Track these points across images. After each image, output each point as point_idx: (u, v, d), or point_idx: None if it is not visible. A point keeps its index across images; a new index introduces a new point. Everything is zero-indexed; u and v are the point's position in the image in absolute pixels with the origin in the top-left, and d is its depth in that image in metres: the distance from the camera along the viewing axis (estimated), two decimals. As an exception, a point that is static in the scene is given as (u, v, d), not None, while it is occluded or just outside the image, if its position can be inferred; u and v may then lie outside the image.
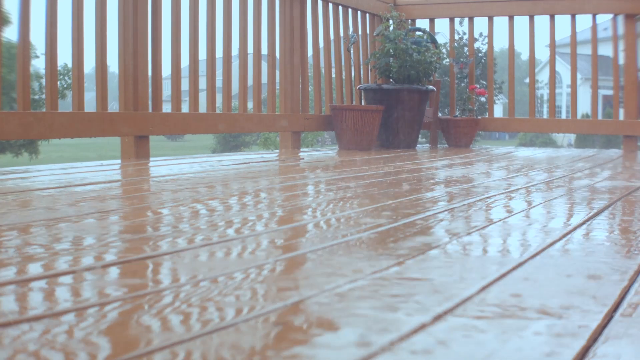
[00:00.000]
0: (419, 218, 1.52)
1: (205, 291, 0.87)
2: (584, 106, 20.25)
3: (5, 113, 2.61)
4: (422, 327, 0.73)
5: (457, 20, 5.77)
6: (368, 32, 5.22)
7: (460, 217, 1.56)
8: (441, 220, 1.52)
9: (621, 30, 4.95)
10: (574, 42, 5.13)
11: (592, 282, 0.96)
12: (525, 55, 32.06)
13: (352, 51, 4.95)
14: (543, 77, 27.38)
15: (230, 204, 1.78)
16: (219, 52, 3.67)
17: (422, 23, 5.43)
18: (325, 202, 1.83)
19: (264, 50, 4.15)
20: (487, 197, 1.94)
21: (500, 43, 51.68)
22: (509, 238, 1.33)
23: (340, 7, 4.85)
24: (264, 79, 4.17)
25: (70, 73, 3.21)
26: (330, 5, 4.75)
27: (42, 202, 1.75)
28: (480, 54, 17.80)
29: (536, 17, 5.14)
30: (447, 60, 10.49)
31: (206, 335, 0.70)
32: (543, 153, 4.61)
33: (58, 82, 2.93)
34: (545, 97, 29.05)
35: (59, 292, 0.88)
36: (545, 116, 9.32)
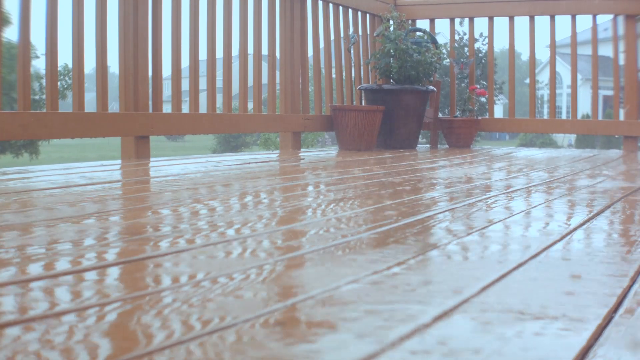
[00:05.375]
0: (420, 218, 1.52)
1: (205, 291, 0.87)
2: (584, 107, 20.26)
3: (6, 113, 2.61)
4: (422, 327, 0.73)
5: (457, 20, 5.77)
6: (368, 32, 5.23)
7: (461, 218, 1.56)
8: (442, 220, 1.52)
9: (621, 30, 4.95)
10: (574, 43, 5.13)
11: (592, 283, 0.96)
12: (525, 56, 32.07)
13: (352, 51, 4.95)
14: (543, 77, 27.39)
15: (230, 204, 1.78)
16: (220, 53, 3.67)
17: (423, 23, 5.43)
18: (325, 203, 1.83)
19: (264, 50, 4.15)
20: (488, 198, 1.94)
21: (501, 43, 51.68)
22: (509, 239, 1.33)
23: (340, 8, 4.85)
24: (264, 79, 4.17)
25: (71, 73, 3.21)
26: (331, 5, 4.75)
27: (43, 202, 1.76)
28: (480, 55, 17.80)
29: (536, 18, 5.14)
30: (448, 60, 10.49)
31: (206, 335, 0.70)
32: (543, 153, 4.61)
33: (58, 83, 2.93)
34: (546, 98, 29.04)
35: (59, 292, 0.88)
36: (545, 117, 9.32)
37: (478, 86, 5.45)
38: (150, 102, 3.29)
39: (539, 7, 5.07)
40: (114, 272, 0.99)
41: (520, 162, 3.64)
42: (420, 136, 5.09)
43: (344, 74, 4.93)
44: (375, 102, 4.62)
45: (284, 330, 0.72)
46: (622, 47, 4.93)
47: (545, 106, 30.38)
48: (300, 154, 4.01)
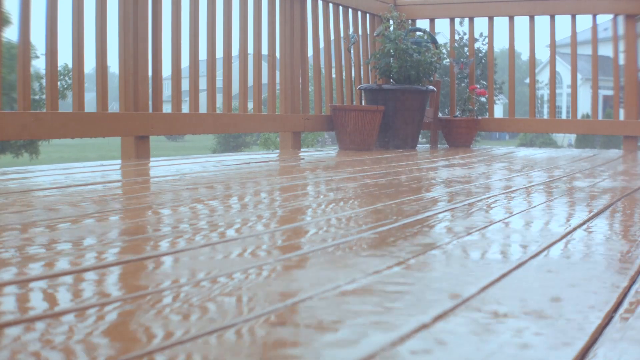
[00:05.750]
0: (420, 218, 1.52)
1: (205, 291, 0.87)
2: (584, 106, 20.26)
3: (6, 113, 2.61)
4: (422, 327, 0.73)
5: (457, 20, 5.77)
6: (368, 32, 5.23)
7: (461, 218, 1.56)
8: (441, 220, 1.52)
9: (621, 30, 4.95)
10: (574, 43, 5.13)
11: (592, 282, 0.96)
12: (525, 56, 32.05)
13: (352, 51, 4.95)
14: (543, 77, 27.39)
15: (230, 204, 1.78)
16: (219, 53, 3.67)
17: (423, 23, 5.43)
18: (325, 203, 1.83)
19: (264, 50, 4.15)
20: (488, 198, 1.94)
21: (501, 43, 51.68)
22: (509, 238, 1.33)
23: (340, 7, 4.85)
24: (264, 79, 4.17)
25: (71, 73, 3.21)
26: (331, 5, 4.75)
27: (43, 202, 1.75)
28: (480, 54, 17.80)
29: (536, 17, 5.14)
30: (448, 60, 10.50)
31: (206, 335, 0.70)
32: (543, 153, 4.61)
33: (58, 83, 2.93)
34: (546, 98, 29.05)
35: (59, 292, 0.88)
36: (545, 116, 9.32)
37: (478, 86, 5.46)
38: (150, 102, 3.29)
39: (539, 7, 5.07)
40: (114, 272, 0.99)
41: (520, 162, 3.64)
42: (420, 136, 5.09)
43: (344, 73, 4.93)
44: (375, 102, 4.62)
45: (284, 330, 0.72)
46: (622, 47, 4.93)
47: (545, 106, 30.37)
48: (300, 154, 4.01)
